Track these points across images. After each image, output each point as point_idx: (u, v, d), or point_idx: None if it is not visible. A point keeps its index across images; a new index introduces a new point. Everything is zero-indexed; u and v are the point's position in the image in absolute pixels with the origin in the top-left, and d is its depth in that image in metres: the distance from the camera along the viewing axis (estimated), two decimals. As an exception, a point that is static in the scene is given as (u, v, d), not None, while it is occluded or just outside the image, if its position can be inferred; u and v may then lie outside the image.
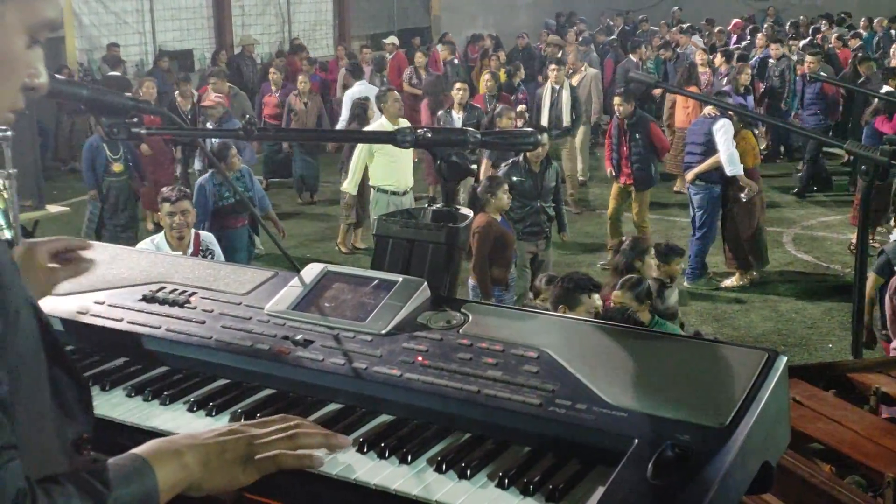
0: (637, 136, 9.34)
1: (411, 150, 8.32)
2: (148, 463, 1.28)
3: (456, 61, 16.26)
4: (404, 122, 8.89)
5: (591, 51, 16.05)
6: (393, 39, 17.13)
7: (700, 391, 1.57)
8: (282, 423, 1.50)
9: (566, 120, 11.54)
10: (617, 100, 9.45)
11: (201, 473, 1.36)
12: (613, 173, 9.72)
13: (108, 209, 8.87)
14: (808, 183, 12.66)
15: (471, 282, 7.26)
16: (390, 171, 8.70)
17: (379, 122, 9.18)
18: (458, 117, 10.26)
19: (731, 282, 9.27)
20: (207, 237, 6.24)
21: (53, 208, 9.50)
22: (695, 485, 1.38)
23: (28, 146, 8.16)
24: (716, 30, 19.74)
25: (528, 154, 7.95)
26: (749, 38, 18.43)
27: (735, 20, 20.79)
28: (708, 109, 9.29)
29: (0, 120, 1.28)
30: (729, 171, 8.80)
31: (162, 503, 1.29)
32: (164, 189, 6.25)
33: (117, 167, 8.93)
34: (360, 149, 8.78)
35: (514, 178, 7.98)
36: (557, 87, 11.64)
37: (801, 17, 21.27)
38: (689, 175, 9.20)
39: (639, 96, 10.45)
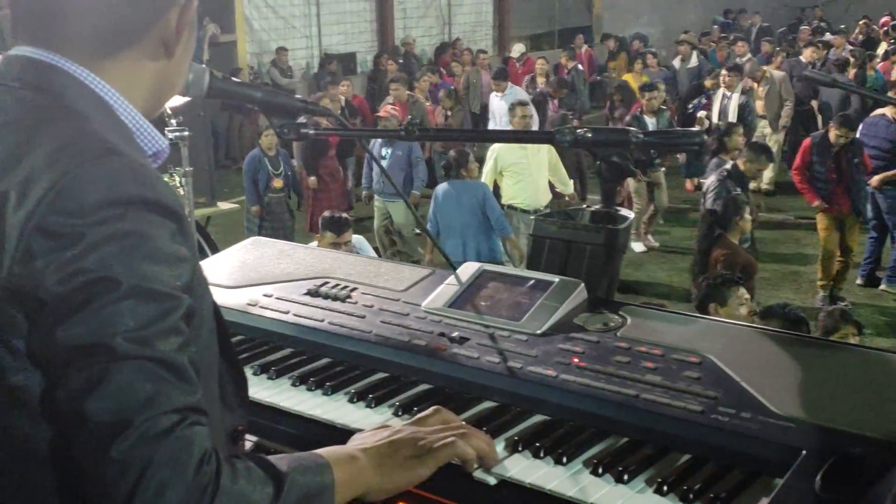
0: (855, 160, 8.31)
1: (546, 167, 8.01)
2: (327, 461, 1.30)
3: (580, 67, 15.91)
4: None
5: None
6: (520, 48, 16.95)
7: (872, 402, 1.49)
8: (444, 422, 1.51)
9: None
10: (839, 131, 8.24)
11: (378, 476, 1.37)
12: (823, 204, 8.42)
13: (266, 227, 8.72)
14: None
15: None
16: (520, 188, 8.12)
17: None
18: (650, 122, 9.74)
19: None
20: (357, 240, 6.30)
21: (224, 205, 9.88)
22: (866, 500, 1.31)
23: (202, 146, 8.52)
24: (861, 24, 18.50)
25: (744, 167, 7.51)
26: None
27: (884, 17, 19.34)
28: (886, 111, 8.78)
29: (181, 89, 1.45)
30: None
31: (338, 502, 1.29)
32: (325, 214, 6.20)
33: (277, 183, 8.82)
34: (489, 166, 8.22)
35: (731, 189, 7.30)
36: (728, 94, 11.02)
37: None
38: (875, 181, 8.54)
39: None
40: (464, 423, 1.55)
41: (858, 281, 8.77)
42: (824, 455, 1.40)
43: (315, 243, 6.08)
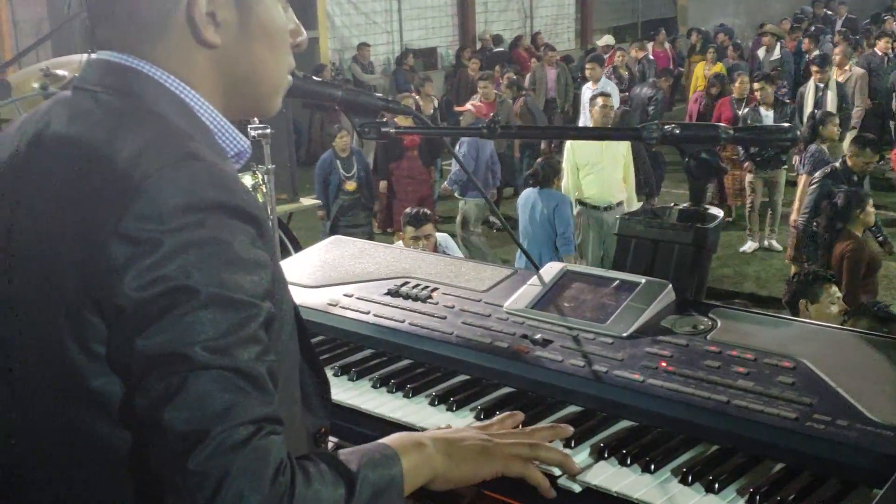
0: None
1: (621, 163, 7.78)
2: (395, 451, 1.30)
3: (651, 57, 15.52)
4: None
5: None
6: (608, 39, 16.67)
7: (982, 413, 1.41)
8: (518, 429, 1.49)
9: None
10: None
11: (445, 465, 1.37)
12: None
13: (341, 226, 8.63)
14: None
15: None
16: (591, 181, 7.91)
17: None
18: (766, 114, 9.47)
19: None
20: (443, 238, 6.31)
21: (306, 201, 9.93)
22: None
23: (284, 142, 8.58)
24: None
25: (851, 162, 7.26)
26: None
27: None
28: None
29: (282, 83, 1.40)
30: None
31: (406, 492, 1.29)
32: (406, 210, 6.23)
33: (350, 185, 8.76)
34: (566, 162, 7.97)
35: (834, 190, 7.05)
36: (822, 86, 10.64)
37: None
38: None
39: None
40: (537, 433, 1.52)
41: None
42: (928, 466, 1.33)
43: (399, 242, 6.10)
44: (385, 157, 9.53)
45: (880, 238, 7.28)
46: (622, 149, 7.78)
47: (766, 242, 9.61)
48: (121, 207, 1.12)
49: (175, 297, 1.10)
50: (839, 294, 5.13)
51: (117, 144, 1.18)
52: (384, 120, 1.95)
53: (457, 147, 8.82)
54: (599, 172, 7.85)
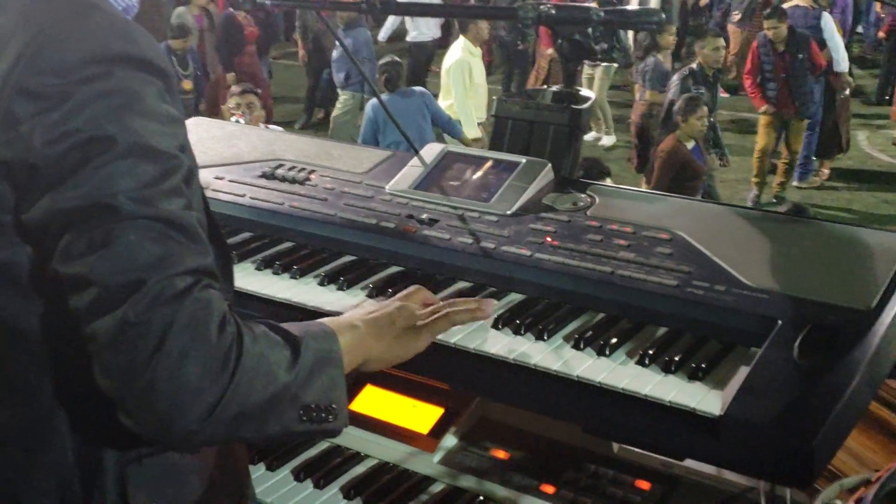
0: (799, 55, 8.04)
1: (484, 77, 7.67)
2: (332, 329, 1.28)
3: None
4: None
5: None
6: None
7: (843, 273, 1.55)
8: (427, 299, 1.51)
9: None
10: (768, 22, 8.07)
11: (377, 346, 1.37)
12: (770, 109, 8.24)
13: None
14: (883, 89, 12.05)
15: None
16: (476, 101, 7.64)
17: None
18: None
19: (816, 176, 9.15)
20: (275, 130, 6.25)
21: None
22: (842, 366, 1.37)
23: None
24: None
25: (704, 60, 7.37)
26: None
27: None
28: (800, 1, 8.88)
29: None
30: (844, 67, 8.60)
31: (345, 370, 1.28)
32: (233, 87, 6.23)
33: (187, 85, 8.35)
34: (460, 75, 7.58)
35: (692, 88, 7.24)
36: None
37: None
38: None
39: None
40: (443, 302, 1.55)
41: (795, 183, 8.98)
42: (800, 325, 1.45)
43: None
44: (230, 49, 9.15)
45: (719, 153, 7.50)
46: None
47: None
48: (18, 63, 1.06)
49: (89, 148, 1.05)
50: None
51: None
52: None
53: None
54: (479, 89, 7.75)
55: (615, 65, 9.84)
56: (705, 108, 6.66)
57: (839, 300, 1.48)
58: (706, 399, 1.38)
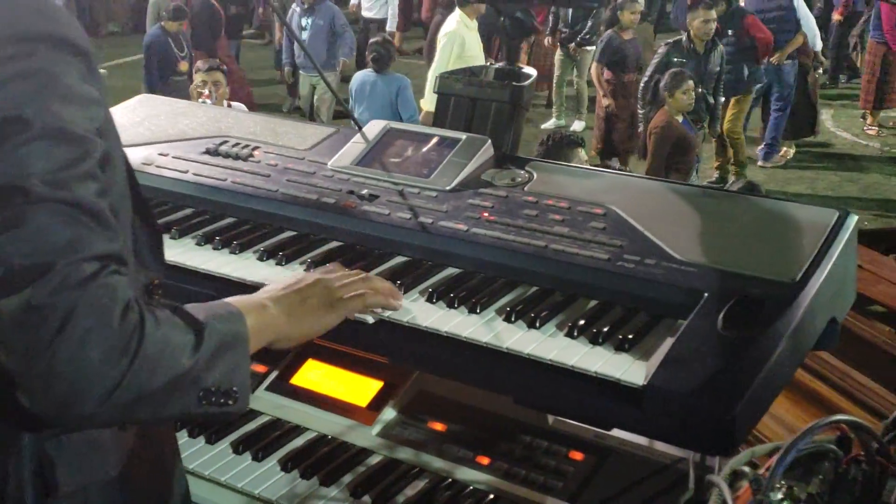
0: (729, 32, 8.09)
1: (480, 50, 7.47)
2: (239, 310, 1.29)
3: None
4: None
5: None
6: None
7: (770, 247, 1.57)
8: (346, 273, 1.52)
9: None
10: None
11: (287, 323, 1.38)
12: None
13: None
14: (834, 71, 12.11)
15: None
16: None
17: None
18: None
19: (781, 155, 9.21)
20: (238, 107, 6.24)
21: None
22: (765, 337, 1.40)
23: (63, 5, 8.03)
24: None
25: (693, 32, 7.31)
26: None
27: None
28: None
29: None
30: (819, 46, 8.64)
31: (250, 351, 1.29)
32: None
33: (184, 66, 8.26)
34: (449, 47, 7.32)
35: (675, 60, 7.24)
36: None
37: None
38: (778, 57, 8.52)
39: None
40: (363, 273, 1.56)
41: (760, 162, 9.03)
42: (725, 297, 1.47)
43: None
44: (212, 34, 9.06)
45: (703, 125, 7.43)
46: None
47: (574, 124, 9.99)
48: None
49: (4, 129, 1.05)
50: (585, 157, 5.42)
51: None
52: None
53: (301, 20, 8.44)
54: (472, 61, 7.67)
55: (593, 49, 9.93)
56: (690, 82, 6.66)
57: (765, 273, 1.51)
58: (631, 370, 1.40)
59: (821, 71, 8.96)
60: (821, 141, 9.91)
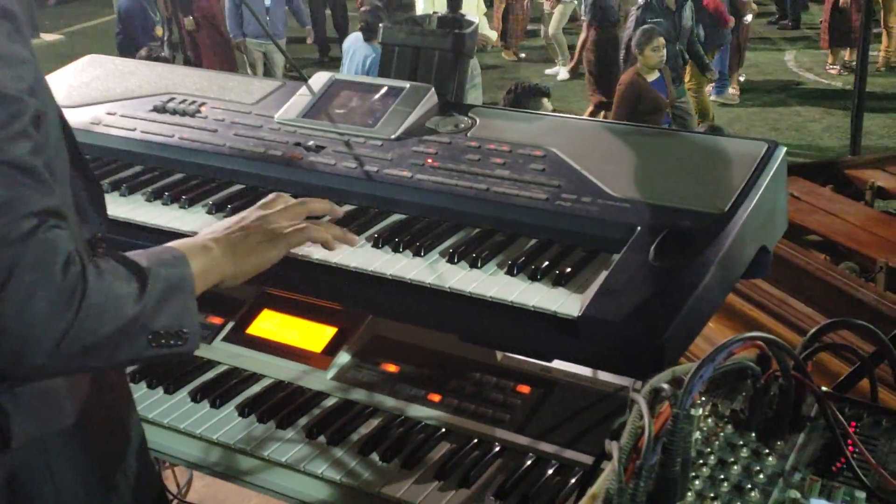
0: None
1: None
2: (183, 254, 1.32)
3: None
4: None
5: None
6: None
7: (701, 180, 1.63)
8: (287, 203, 1.55)
9: None
10: None
11: (232, 262, 1.41)
12: None
13: None
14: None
15: None
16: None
17: None
18: None
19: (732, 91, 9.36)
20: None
21: (48, 37, 9.27)
22: (694, 266, 1.45)
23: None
24: None
25: None
26: None
27: None
28: None
29: None
30: None
31: (196, 292, 1.32)
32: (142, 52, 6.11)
33: (160, 31, 8.24)
34: None
35: (649, 20, 7.16)
36: None
37: None
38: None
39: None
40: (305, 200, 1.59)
41: (713, 97, 9.16)
42: (657, 230, 1.53)
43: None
44: None
45: (675, 84, 7.46)
46: None
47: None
48: None
49: None
50: (550, 107, 5.45)
51: None
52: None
53: None
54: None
55: (574, 2, 10.01)
56: (661, 39, 6.62)
57: (695, 205, 1.57)
58: (567, 302, 1.46)
59: (750, 17, 9.30)
60: (785, 80, 9.99)
